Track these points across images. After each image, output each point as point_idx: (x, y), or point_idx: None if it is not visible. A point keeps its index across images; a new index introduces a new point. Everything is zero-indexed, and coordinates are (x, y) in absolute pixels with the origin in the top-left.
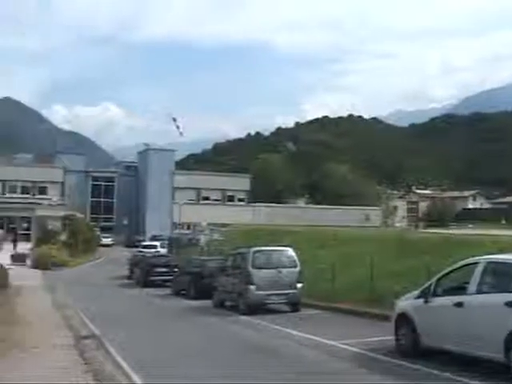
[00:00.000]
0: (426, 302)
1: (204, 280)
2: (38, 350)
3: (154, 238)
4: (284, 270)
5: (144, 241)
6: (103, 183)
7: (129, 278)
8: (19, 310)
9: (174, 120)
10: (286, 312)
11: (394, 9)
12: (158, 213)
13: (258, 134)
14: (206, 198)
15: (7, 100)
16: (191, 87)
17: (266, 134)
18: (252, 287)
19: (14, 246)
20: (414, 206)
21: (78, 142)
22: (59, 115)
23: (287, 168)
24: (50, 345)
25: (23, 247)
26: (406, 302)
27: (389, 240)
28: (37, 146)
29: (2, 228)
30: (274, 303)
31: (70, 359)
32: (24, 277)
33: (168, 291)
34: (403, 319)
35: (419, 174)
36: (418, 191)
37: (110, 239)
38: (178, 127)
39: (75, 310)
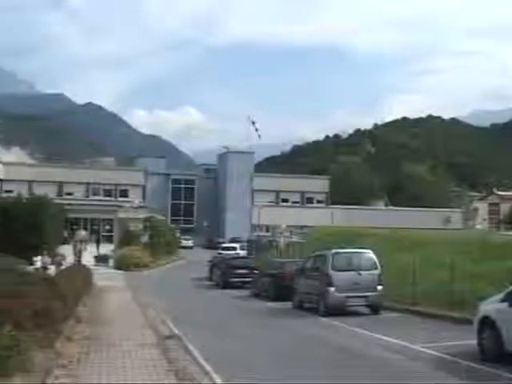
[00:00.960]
0: (511, 305)
1: (284, 282)
2: (123, 348)
3: (233, 240)
4: (364, 273)
5: (224, 243)
6: (183, 186)
7: (209, 279)
8: (103, 309)
9: (253, 123)
10: (366, 314)
11: (471, 5)
12: (238, 215)
13: (336, 135)
14: (285, 200)
15: (89, 105)
16: (269, 89)
17: (345, 135)
18: (332, 289)
19: (98, 247)
20: (495, 208)
21: (158, 146)
22: (140, 119)
23: (366, 170)
24: (134, 343)
25: (106, 248)
26: (490, 306)
27: (470, 242)
28: (118, 150)
29: (85, 229)
30: (353, 305)
31: (153, 358)
32: (107, 277)
33: (247, 293)
34: (486, 323)
35: (501, 175)
36: (500, 193)
37: (190, 241)
38: (256, 130)
39: (157, 310)
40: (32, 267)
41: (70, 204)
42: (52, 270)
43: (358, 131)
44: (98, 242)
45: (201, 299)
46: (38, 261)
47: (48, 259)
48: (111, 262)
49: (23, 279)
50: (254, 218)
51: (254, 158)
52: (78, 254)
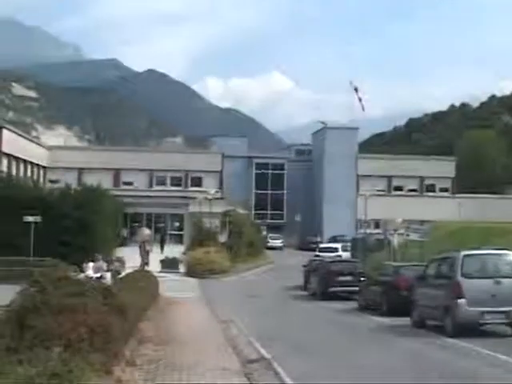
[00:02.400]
0: None
1: (399, 292)
2: (197, 375)
3: (333, 239)
4: (504, 281)
5: (321, 242)
6: (270, 171)
7: (303, 288)
8: (172, 326)
9: (356, 90)
10: (508, 336)
11: None
12: (339, 208)
13: (464, 105)
14: (399, 188)
15: (151, 73)
16: (376, 48)
17: (476, 104)
18: (462, 302)
19: (162, 249)
20: None
21: (237, 122)
22: (214, 89)
23: (503, 148)
24: (210, 368)
25: (175, 250)
26: None
27: None
28: (188, 128)
29: (149, 227)
30: (490, 323)
31: None
32: (177, 286)
33: (352, 305)
34: None
35: None
36: None
37: (279, 241)
38: (360, 99)
39: (239, 327)
40: (83, 274)
41: (129, 196)
42: (108, 277)
43: (492, 98)
44: (162, 243)
45: (294, 314)
46: (90, 267)
47: (103, 264)
48: (181, 268)
49: (75, 290)
50: (359, 211)
51: (359, 135)
52: (146, 258)
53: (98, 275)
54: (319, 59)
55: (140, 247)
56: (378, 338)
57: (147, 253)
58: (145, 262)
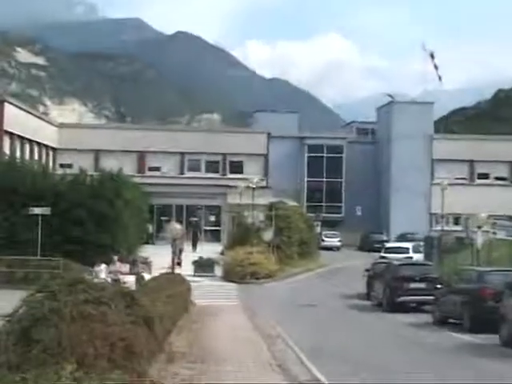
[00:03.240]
0: None
1: (484, 303)
2: None
3: (402, 238)
4: None
5: (388, 241)
6: (326, 155)
7: (366, 297)
8: (208, 341)
9: (432, 57)
10: None
11: None
12: (409, 199)
13: None
14: (484, 176)
15: (181, 35)
16: (455, 5)
17: None
18: None
19: (195, 248)
20: None
21: (286, 95)
22: (257, 56)
23: None
24: None
25: (210, 250)
26: None
27: None
28: (227, 102)
29: (180, 222)
30: None
31: None
32: (212, 293)
33: (426, 319)
34: None
35: None
36: None
37: (336, 239)
38: (436, 67)
39: (286, 343)
40: (103, 277)
41: (156, 184)
42: (131, 281)
43: None
44: (195, 241)
45: (353, 328)
46: (102, 270)
47: (121, 266)
48: (218, 271)
49: (92, 296)
50: (434, 203)
51: (434, 110)
52: (178, 257)
53: (115, 277)
54: (387, 18)
55: (172, 245)
56: (460, 361)
57: (180, 252)
58: (177, 263)
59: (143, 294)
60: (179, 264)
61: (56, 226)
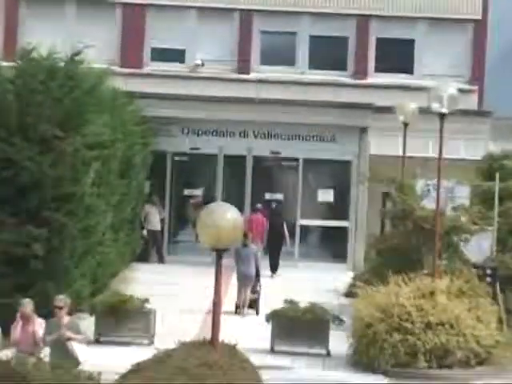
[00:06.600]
0: None
1: None
2: None
3: None
4: None
5: None
6: None
7: None
8: None
9: None
10: None
11: None
12: None
13: None
14: None
15: None
16: None
17: None
18: None
19: (274, 270)
20: None
21: None
22: None
23: None
24: None
25: (313, 277)
26: None
27: None
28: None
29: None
30: None
31: None
32: None
33: None
34: None
35: None
36: None
37: None
38: None
39: None
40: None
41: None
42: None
43: None
44: (274, 252)
45: None
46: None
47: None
48: (339, 340)
49: None
50: None
51: None
52: (253, 289)
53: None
54: None
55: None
56: None
57: (256, 278)
58: (242, 305)
59: None
60: (252, 307)
61: None
